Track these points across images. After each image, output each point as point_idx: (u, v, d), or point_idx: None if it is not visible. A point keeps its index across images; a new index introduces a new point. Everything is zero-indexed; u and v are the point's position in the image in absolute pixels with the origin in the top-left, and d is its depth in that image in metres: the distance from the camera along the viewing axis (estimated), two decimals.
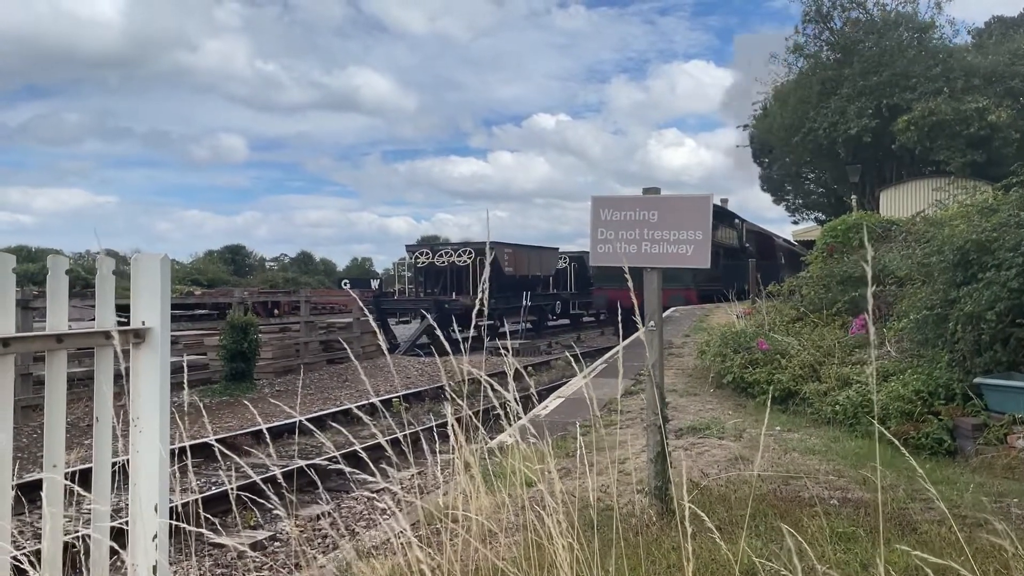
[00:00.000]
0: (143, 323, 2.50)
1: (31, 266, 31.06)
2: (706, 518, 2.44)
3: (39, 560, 2.37)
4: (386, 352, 4.11)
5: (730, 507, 4.57)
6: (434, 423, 9.73)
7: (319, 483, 5.06)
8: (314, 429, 3.48)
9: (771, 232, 36.75)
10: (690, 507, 2.44)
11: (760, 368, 9.31)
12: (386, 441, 3.23)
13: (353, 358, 3.63)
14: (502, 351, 3.87)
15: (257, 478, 3.04)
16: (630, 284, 3.39)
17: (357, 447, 3.26)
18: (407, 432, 3.41)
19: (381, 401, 14.55)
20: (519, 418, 3.42)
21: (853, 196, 28.37)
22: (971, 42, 30.43)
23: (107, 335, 2.41)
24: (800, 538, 3.95)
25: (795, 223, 45.09)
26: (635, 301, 3.53)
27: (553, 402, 9.48)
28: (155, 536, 2.36)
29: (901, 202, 24.60)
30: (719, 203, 30.54)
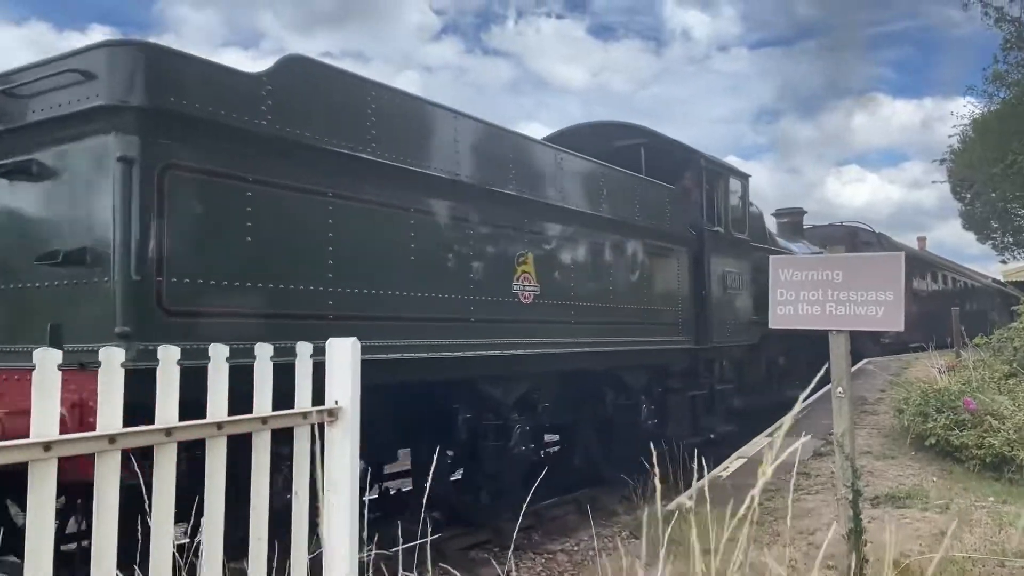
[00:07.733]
0: (336, 402, 2.70)
1: None
2: None
3: None
4: None
5: None
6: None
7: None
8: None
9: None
10: None
11: (968, 430, 8.53)
12: None
13: None
14: None
15: None
16: None
17: None
18: None
19: None
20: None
21: None
22: None
23: (304, 415, 2.63)
24: None
25: (1003, 262, 41.55)
26: None
27: (735, 463, 9.12)
28: None
29: None
30: (915, 246, 28.32)
